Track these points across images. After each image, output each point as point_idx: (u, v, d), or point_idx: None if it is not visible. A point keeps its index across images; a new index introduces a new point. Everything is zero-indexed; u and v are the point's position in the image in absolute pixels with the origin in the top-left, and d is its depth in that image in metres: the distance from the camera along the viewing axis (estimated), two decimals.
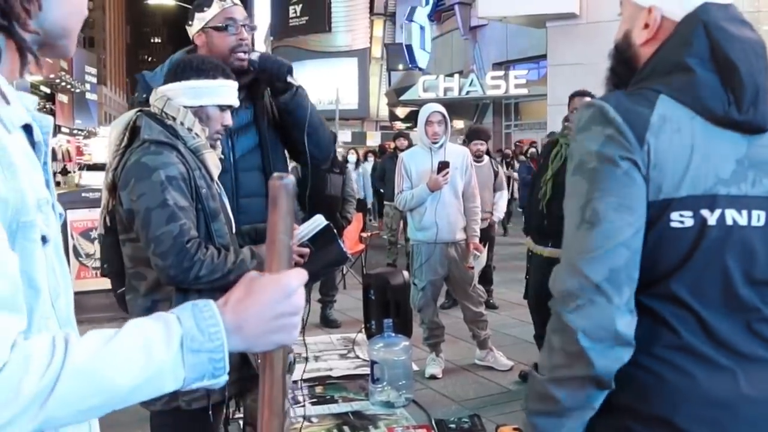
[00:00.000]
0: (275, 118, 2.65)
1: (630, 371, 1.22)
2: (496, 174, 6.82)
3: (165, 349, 0.90)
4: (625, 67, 1.38)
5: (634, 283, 1.18)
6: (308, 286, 2.58)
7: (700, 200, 1.19)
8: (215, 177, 2.19)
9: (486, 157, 6.78)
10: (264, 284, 0.99)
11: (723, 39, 1.21)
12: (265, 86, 2.60)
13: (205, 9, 2.50)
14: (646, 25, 1.32)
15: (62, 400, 0.84)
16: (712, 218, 1.19)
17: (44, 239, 0.95)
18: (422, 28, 25.31)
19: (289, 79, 2.52)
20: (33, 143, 1.00)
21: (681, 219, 1.19)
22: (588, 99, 4.57)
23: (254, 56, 2.52)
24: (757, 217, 1.22)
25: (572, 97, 4.76)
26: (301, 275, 1.02)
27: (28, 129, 0.99)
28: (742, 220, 1.20)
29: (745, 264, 1.21)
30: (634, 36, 1.36)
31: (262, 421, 1.03)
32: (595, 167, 1.19)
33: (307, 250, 2.25)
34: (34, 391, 0.83)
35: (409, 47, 27.40)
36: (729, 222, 1.20)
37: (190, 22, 2.56)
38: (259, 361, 1.04)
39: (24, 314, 0.89)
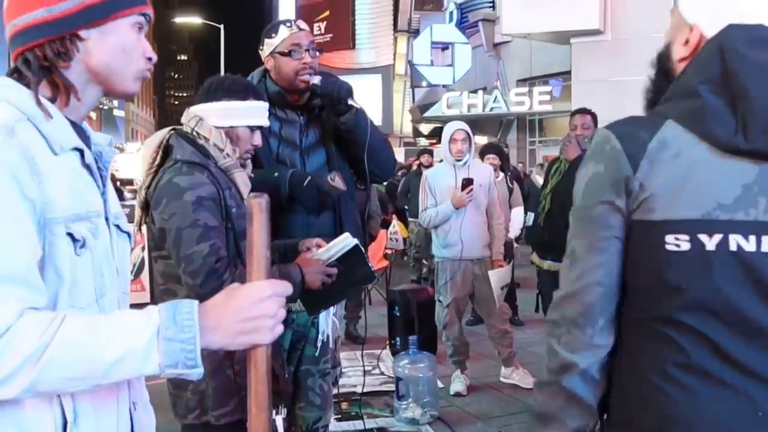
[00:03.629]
0: (338, 136, 2.75)
1: (638, 387, 1.25)
2: (511, 191, 6.80)
3: (142, 334, 1.07)
4: (663, 79, 1.36)
5: (608, 312, 1.27)
6: (335, 304, 2.63)
7: (697, 224, 1.18)
8: (245, 196, 2.23)
9: (501, 173, 6.77)
10: (241, 291, 1.15)
11: (737, 63, 1.19)
12: (329, 107, 2.69)
13: (273, 35, 2.66)
14: (687, 42, 1.30)
15: (51, 362, 1.02)
16: (710, 243, 1.18)
17: (74, 238, 1.13)
18: (434, 43, 25.49)
19: (349, 101, 2.61)
20: (88, 166, 1.21)
21: (677, 242, 1.19)
22: (588, 117, 4.62)
23: (316, 80, 2.62)
24: None
25: (573, 114, 4.79)
26: (278, 285, 1.17)
27: (81, 152, 1.20)
28: (749, 246, 1.18)
29: (762, 290, 1.18)
30: (674, 50, 1.33)
31: (251, 416, 1.17)
32: (577, 208, 1.31)
33: (335, 270, 2.28)
34: (30, 350, 1.01)
35: (410, 62, 28.00)
36: (732, 247, 1.17)
37: (261, 47, 2.71)
38: (248, 362, 1.17)
39: (41, 293, 1.07)
